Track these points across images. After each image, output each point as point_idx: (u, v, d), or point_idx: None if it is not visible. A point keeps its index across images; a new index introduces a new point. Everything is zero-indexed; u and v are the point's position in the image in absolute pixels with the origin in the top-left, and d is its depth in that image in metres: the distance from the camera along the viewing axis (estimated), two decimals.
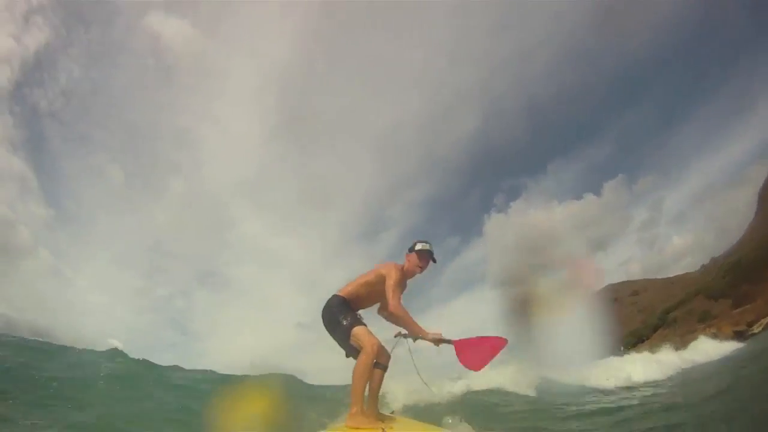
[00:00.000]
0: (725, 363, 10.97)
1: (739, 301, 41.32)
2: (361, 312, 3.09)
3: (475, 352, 2.94)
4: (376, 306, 3.28)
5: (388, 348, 3.01)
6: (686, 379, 9.53)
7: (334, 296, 3.05)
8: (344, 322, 2.87)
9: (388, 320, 3.20)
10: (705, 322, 41.10)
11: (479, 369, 2.93)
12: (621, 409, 6.03)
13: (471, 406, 7.23)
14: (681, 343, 20.12)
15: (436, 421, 3.59)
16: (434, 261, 3.12)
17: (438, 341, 2.94)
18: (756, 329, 30.69)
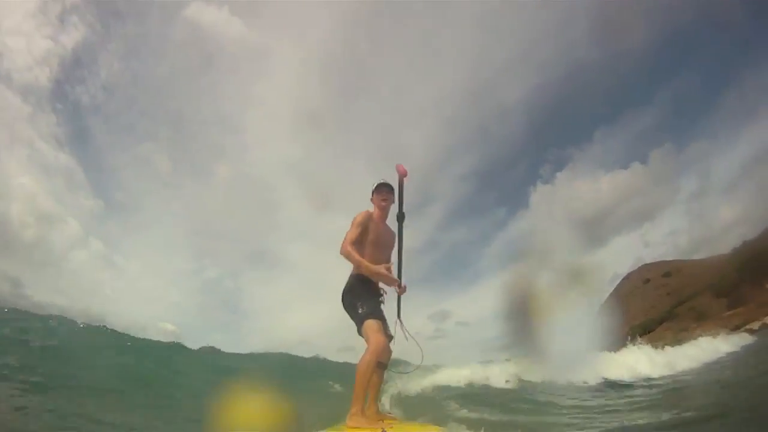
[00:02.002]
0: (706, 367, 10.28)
1: (734, 302, 40.94)
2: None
3: None
4: None
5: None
6: (667, 380, 8.92)
7: (351, 276, 3.02)
8: (360, 311, 2.83)
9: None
10: (697, 322, 40.87)
11: None
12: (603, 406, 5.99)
13: (471, 399, 7.26)
14: (675, 340, 19.49)
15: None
16: (392, 188, 3.01)
17: (385, 276, 2.81)
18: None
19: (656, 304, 53.33)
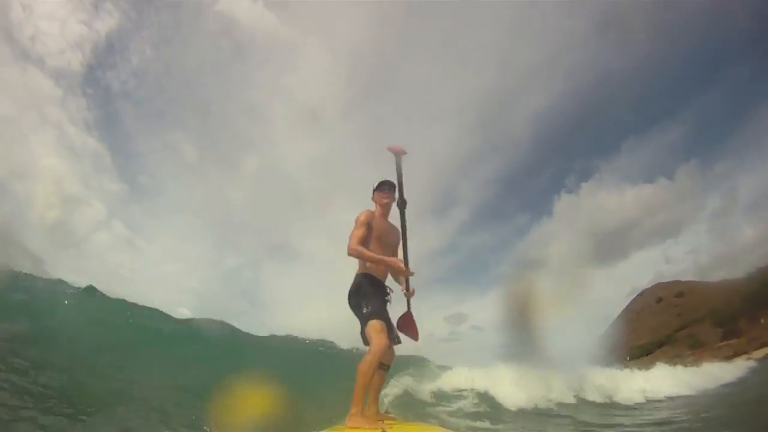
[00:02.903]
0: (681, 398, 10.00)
1: (728, 333, 40.89)
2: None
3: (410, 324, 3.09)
4: None
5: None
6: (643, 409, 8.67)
7: (357, 275, 3.04)
8: (365, 310, 2.84)
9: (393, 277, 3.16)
10: (692, 349, 40.98)
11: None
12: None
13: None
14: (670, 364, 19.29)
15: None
16: (394, 185, 3.05)
17: (397, 266, 2.82)
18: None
19: (665, 324, 52.57)
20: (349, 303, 3.00)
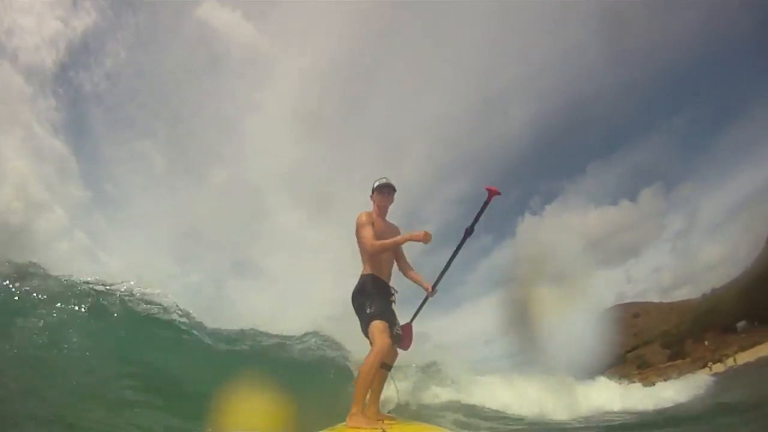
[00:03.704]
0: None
1: (675, 354, 43.26)
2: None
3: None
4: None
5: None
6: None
7: (362, 277, 3.04)
8: (368, 310, 2.84)
9: (408, 277, 3.16)
10: (639, 369, 42.83)
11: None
12: None
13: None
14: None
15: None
16: (394, 189, 3.13)
17: (415, 236, 2.76)
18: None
19: (620, 344, 54.76)
20: (353, 303, 3.00)
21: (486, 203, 2.84)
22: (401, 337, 3.00)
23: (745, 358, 30.53)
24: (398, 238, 2.92)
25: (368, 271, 3.03)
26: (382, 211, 3.15)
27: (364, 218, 3.02)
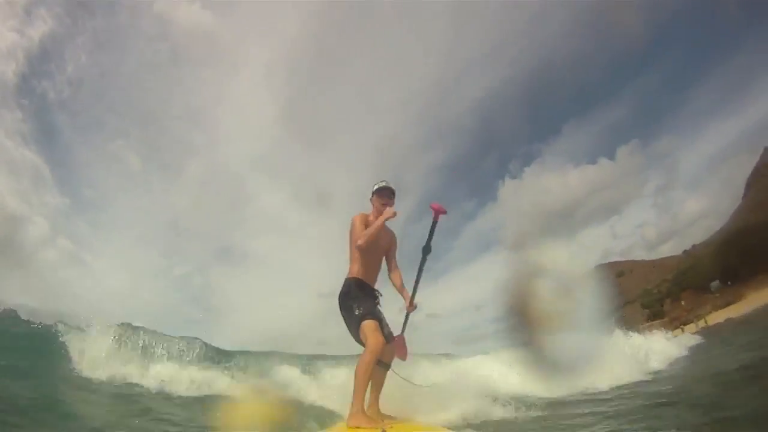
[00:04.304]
0: None
1: (653, 315, 44.42)
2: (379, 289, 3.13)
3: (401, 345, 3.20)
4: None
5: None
6: None
7: (347, 280, 3.06)
8: (356, 312, 2.85)
9: (393, 282, 3.23)
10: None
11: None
12: None
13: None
14: None
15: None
16: (394, 192, 3.18)
17: (389, 214, 2.93)
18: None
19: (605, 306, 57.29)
20: (340, 306, 3.00)
21: (434, 222, 2.96)
22: (393, 336, 3.05)
23: (715, 318, 32.10)
24: (378, 222, 2.93)
25: (353, 275, 3.06)
26: (379, 214, 3.09)
27: (358, 220, 3.04)
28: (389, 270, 3.25)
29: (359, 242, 2.92)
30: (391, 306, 3.18)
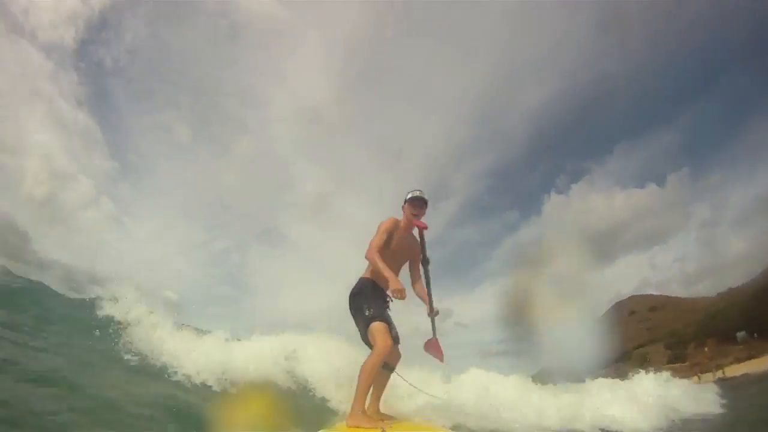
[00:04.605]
0: None
1: (674, 357, 43.10)
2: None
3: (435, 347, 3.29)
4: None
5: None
6: None
7: (361, 279, 3.07)
8: (366, 313, 2.86)
9: (415, 291, 3.23)
10: (640, 368, 44.20)
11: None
12: None
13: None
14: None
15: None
16: (426, 203, 3.14)
17: (400, 293, 2.73)
18: None
19: (633, 338, 54.79)
20: (350, 306, 3.04)
21: (421, 237, 3.10)
22: (399, 339, 3.06)
23: (734, 371, 30.51)
24: (388, 273, 2.76)
25: (368, 276, 3.04)
26: (410, 223, 3.12)
27: (386, 225, 3.00)
28: (412, 281, 3.23)
29: (368, 254, 2.88)
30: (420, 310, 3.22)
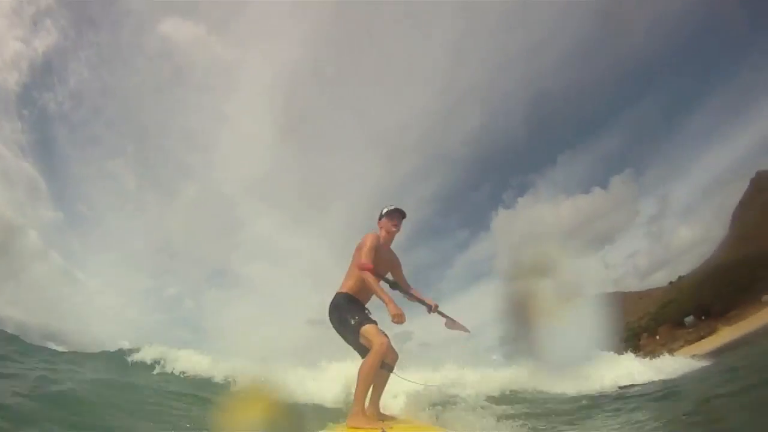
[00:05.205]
0: None
1: (629, 348, 45.52)
2: (369, 307, 3.06)
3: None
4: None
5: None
6: None
7: (337, 294, 3.04)
8: (352, 321, 2.83)
9: (402, 293, 3.20)
10: None
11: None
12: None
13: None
14: None
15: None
16: (404, 215, 3.19)
17: (393, 311, 2.77)
18: None
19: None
20: (332, 320, 3.01)
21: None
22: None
23: (683, 353, 32.78)
24: (383, 294, 2.82)
25: (345, 290, 3.02)
26: (390, 237, 3.15)
27: (370, 241, 2.99)
28: (404, 290, 3.19)
29: (362, 267, 2.87)
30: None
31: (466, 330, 3.32)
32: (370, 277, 2.86)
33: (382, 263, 3.08)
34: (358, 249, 3.05)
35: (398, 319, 2.74)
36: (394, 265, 3.24)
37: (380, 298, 2.83)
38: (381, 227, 3.18)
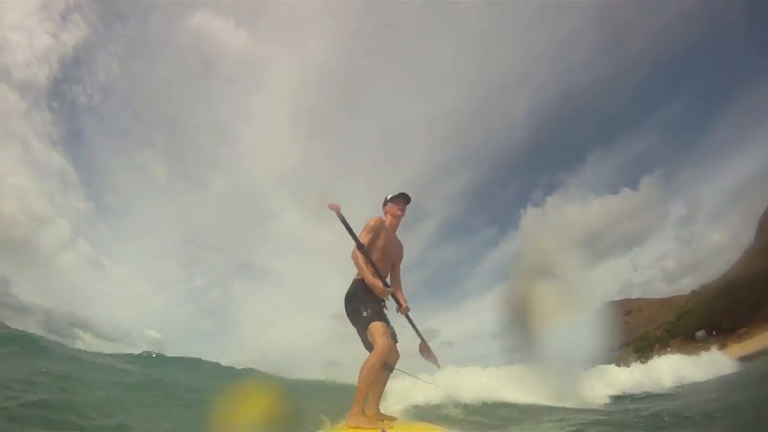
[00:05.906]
0: None
1: (643, 357, 44.46)
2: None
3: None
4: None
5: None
6: None
7: (354, 280, 3.04)
8: (364, 314, 2.85)
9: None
10: None
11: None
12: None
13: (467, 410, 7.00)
14: None
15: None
16: (409, 200, 3.20)
17: (381, 291, 2.85)
18: None
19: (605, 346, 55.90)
20: (346, 308, 3.01)
21: (342, 220, 2.87)
22: (396, 338, 3.06)
23: None
24: (374, 279, 2.86)
25: (361, 277, 2.99)
26: (396, 221, 3.16)
27: (371, 223, 2.99)
28: (392, 280, 3.22)
29: (354, 253, 2.90)
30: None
31: (436, 364, 3.32)
32: (360, 257, 2.89)
33: (390, 249, 3.10)
34: (360, 232, 3.02)
35: (404, 310, 2.95)
36: (399, 252, 3.25)
37: (365, 278, 2.87)
38: (386, 212, 3.20)
